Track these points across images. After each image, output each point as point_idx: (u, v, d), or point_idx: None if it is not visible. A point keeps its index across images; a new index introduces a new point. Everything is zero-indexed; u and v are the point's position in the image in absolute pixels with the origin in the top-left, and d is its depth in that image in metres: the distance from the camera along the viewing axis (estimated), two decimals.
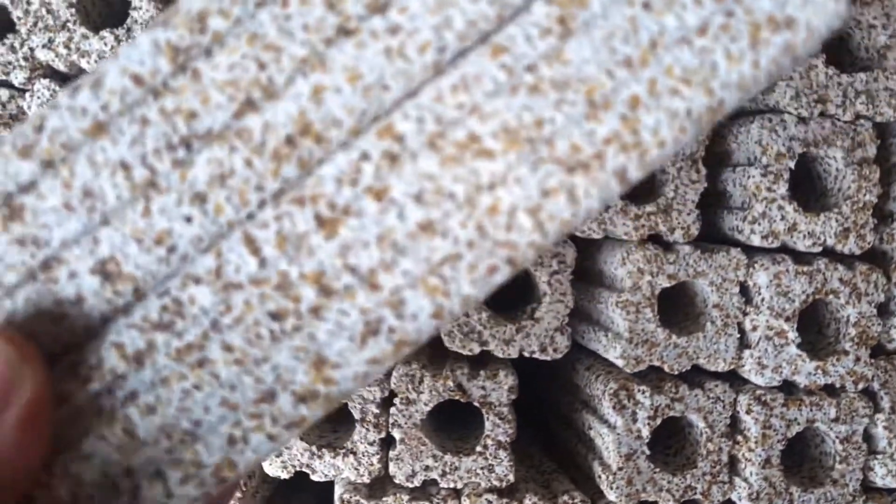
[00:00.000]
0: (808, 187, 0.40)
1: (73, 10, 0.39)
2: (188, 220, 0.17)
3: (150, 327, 0.17)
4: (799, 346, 0.38)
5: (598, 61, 0.16)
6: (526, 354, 0.39)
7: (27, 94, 0.40)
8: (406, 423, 0.39)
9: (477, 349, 0.39)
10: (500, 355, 0.39)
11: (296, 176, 0.17)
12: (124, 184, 0.17)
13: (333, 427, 0.42)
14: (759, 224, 0.37)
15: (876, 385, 0.39)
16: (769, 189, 0.37)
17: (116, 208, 0.17)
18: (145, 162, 0.17)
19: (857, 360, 0.38)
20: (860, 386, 0.38)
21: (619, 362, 0.38)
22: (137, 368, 0.17)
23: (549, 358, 0.39)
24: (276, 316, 0.17)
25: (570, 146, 0.16)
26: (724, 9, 0.17)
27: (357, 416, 0.39)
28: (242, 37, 0.17)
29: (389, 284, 0.17)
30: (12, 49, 0.40)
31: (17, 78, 0.40)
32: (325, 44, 0.17)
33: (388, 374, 0.39)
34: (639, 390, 0.38)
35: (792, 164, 0.37)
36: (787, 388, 0.39)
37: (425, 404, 0.39)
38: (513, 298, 0.41)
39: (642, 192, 0.40)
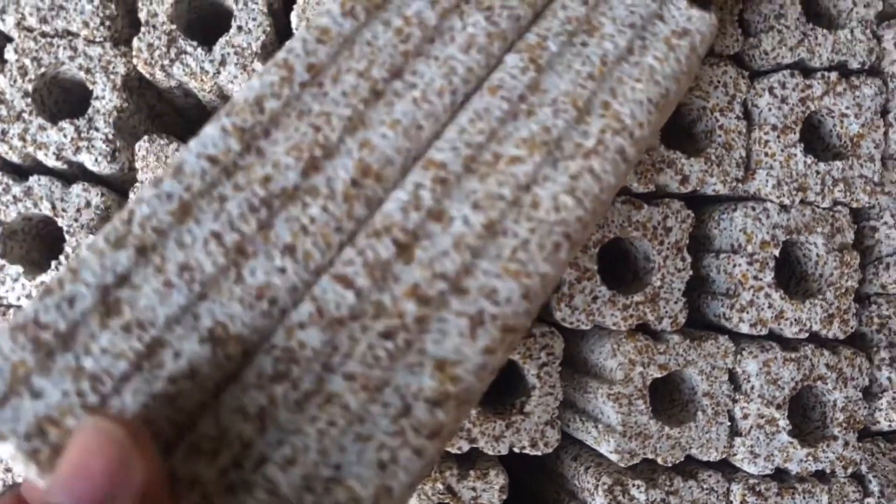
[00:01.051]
0: (786, 270, 0.40)
1: (28, 100, 0.36)
2: (282, 271, 0.18)
3: (268, 381, 0.17)
4: (788, 432, 0.38)
5: (570, 80, 0.22)
6: (516, 450, 0.38)
7: None
8: None
9: (466, 447, 0.37)
10: (490, 452, 0.38)
11: (366, 214, 0.19)
12: (218, 251, 0.18)
13: None
14: (748, 312, 0.37)
15: (864, 468, 0.39)
16: (756, 277, 0.37)
17: (214, 275, 0.18)
18: (233, 227, 0.18)
19: (846, 444, 0.38)
20: (850, 470, 0.38)
21: (614, 457, 0.37)
22: (262, 428, 0.17)
23: (539, 453, 0.38)
24: (387, 335, 0.18)
25: (575, 142, 0.21)
26: (639, 34, 0.23)
27: None
28: (293, 112, 0.19)
29: (478, 278, 0.18)
30: None
31: None
32: (364, 104, 0.20)
33: None
34: (634, 485, 0.37)
35: (776, 252, 0.37)
36: (778, 474, 0.39)
37: None
38: (495, 393, 0.40)
39: (629, 281, 0.39)
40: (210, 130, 0.19)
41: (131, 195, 0.35)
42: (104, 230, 0.17)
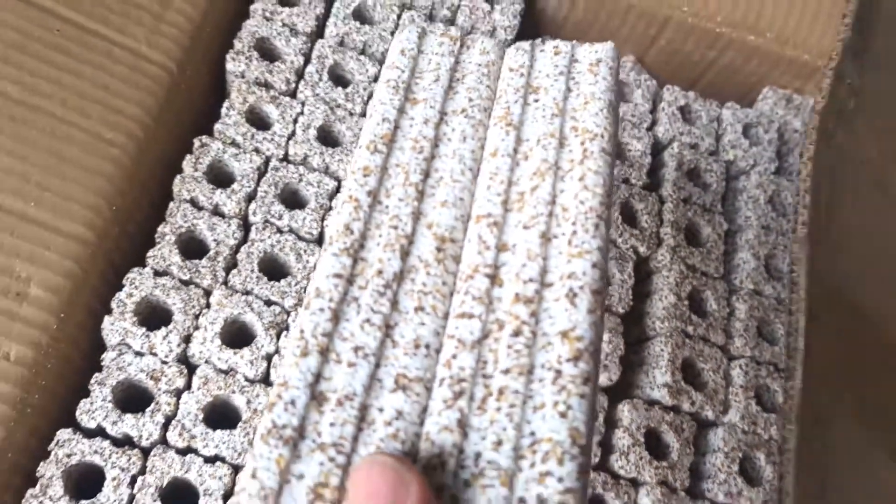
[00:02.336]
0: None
1: None
2: (422, 324, 0.24)
3: (452, 401, 0.22)
4: None
5: (541, 124, 0.28)
6: None
7: None
8: None
9: None
10: None
11: (455, 266, 0.25)
12: (372, 331, 0.23)
13: None
14: None
15: None
16: None
17: (378, 347, 0.23)
18: (374, 311, 0.24)
19: None
20: None
21: None
22: (465, 434, 0.22)
23: None
24: (516, 334, 0.23)
25: (568, 159, 0.27)
26: (568, 77, 0.30)
27: None
28: (372, 225, 0.26)
29: (555, 270, 0.24)
30: None
31: None
32: (416, 201, 0.27)
33: None
34: None
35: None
36: None
37: None
38: None
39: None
40: (325, 260, 0.25)
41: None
42: (290, 349, 0.23)
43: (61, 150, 0.32)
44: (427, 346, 0.24)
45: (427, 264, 0.25)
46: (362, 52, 0.41)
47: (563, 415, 0.21)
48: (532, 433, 0.21)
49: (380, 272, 0.25)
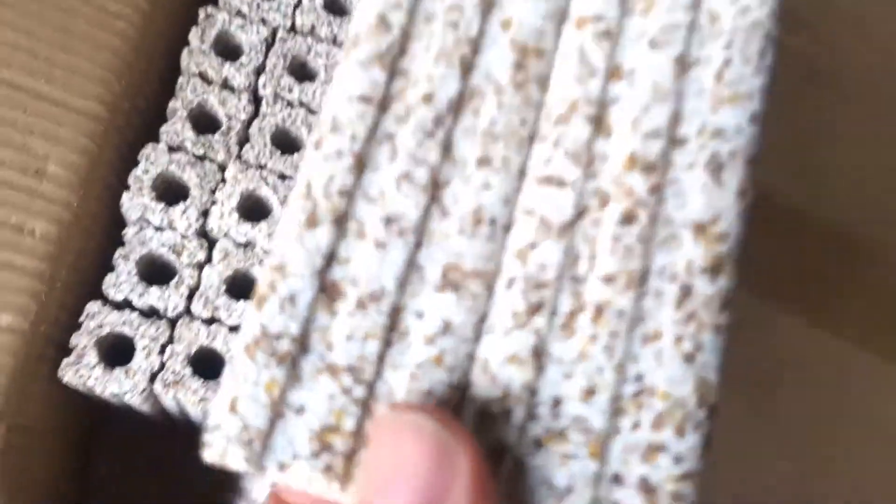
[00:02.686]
0: None
1: None
2: (486, 187, 0.16)
3: (526, 317, 0.15)
4: None
5: None
6: None
7: None
8: None
9: None
10: None
11: (541, 95, 0.17)
12: (412, 192, 0.16)
13: None
14: None
15: None
16: None
17: (420, 218, 0.16)
18: (417, 161, 0.16)
19: None
20: None
21: None
22: (541, 367, 0.15)
23: None
24: (627, 219, 0.16)
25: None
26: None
27: None
28: (420, 19, 0.17)
29: (694, 122, 0.16)
30: None
31: None
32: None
33: None
34: None
35: None
36: None
37: None
38: None
39: None
40: (347, 71, 0.16)
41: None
42: (289, 212, 0.16)
43: (67, 23, 0.31)
44: (493, 223, 0.16)
45: (499, 89, 0.17)
46: None
47: (688, 357, 0.15)
48: (639, 377, 0.15)
49: (428, 97, 0.16)
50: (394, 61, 0.16)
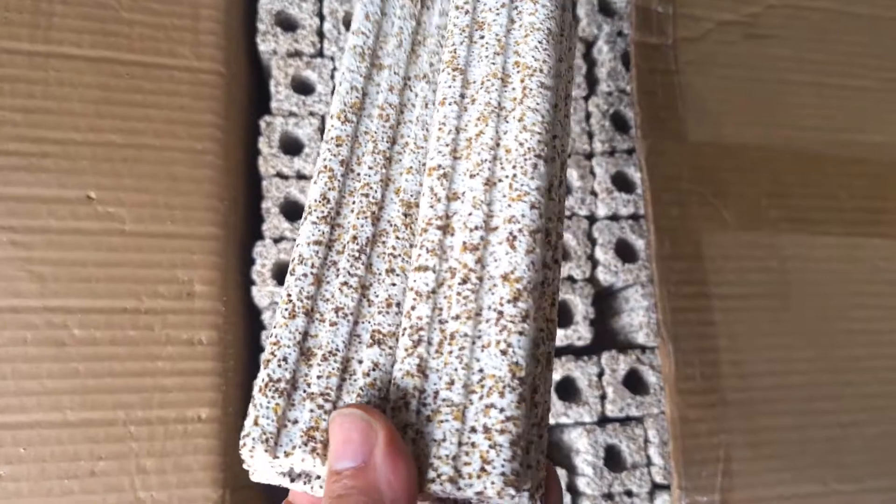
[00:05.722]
0: None
1: None
2: (393, 285, 0.26)
3: (412, 348, 0.23)
4: None
5: (485, 64, 0.28)
6: None
7: None
8: None
9: None
10: None
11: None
12: (350, 292, 0.25)
13: None
14: None
15: None
16: None
17: (356, 307, 0.25)
18: (351, 274, 0.26)
19: None
20: None
21: None
22: (425, 375, 0.23)
23: None
24: (463, 281, 0.24)
25: (510, 98, 0.27)
26: (510, 8, 0.29)
27: None
28: (345, 193, 0.28)
29: (498, 214, 0.24)
30: None
31: None
32: (384, 168, 0.28)
33: None
34: None
35: None
36: None
37: None
38: None
39: None
40: (305, 228, 0.26)
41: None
42: (280, 311, 0.25)
43: (172, 172, 0.39)
44: (398, 304, 0.26)
45: (396, 228, 0.27)
46: None
47: (503, 352, 0.22)
48: (480, 370, 0.23)
49: (354, 238, 0.26)
50: (333, 219, 0.27)
